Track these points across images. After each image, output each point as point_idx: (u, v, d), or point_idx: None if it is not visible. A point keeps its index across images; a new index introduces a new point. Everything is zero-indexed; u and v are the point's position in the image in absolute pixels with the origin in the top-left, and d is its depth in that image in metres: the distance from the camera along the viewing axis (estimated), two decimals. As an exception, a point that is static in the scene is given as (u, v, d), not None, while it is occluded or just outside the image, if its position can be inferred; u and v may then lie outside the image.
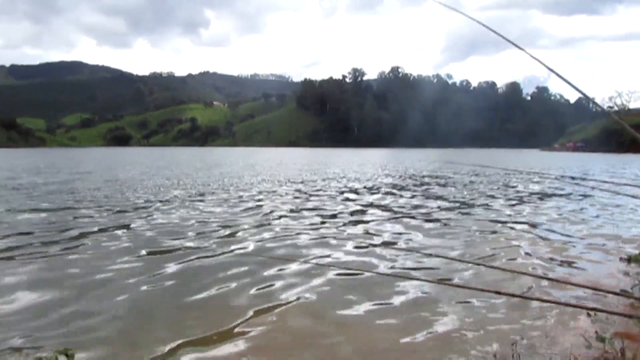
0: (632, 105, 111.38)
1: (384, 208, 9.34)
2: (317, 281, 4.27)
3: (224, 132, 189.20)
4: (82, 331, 3.14)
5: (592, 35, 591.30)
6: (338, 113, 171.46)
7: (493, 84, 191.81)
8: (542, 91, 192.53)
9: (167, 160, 33.08)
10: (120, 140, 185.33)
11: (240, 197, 10.96)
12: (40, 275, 4.45)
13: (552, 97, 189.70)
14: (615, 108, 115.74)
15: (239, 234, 6.53)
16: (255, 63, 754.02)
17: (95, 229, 6.79)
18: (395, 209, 8.90)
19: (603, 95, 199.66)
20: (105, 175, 18.32)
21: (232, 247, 5.64)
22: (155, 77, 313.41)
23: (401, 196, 11.48)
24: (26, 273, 4.50)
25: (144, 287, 4.09)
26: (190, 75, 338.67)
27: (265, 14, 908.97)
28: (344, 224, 7.46)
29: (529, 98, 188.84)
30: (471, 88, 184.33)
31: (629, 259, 5.09)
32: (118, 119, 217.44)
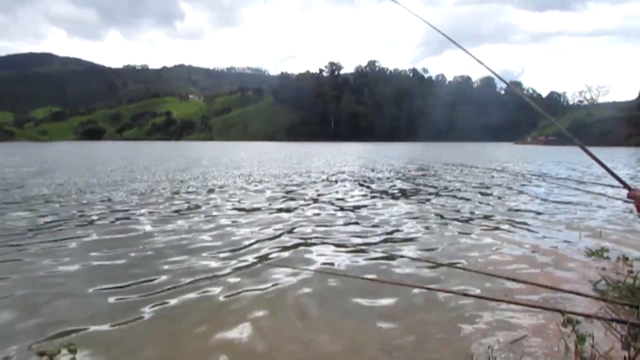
0: (601, 99, 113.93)
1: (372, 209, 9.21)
2: (302, 285, 4.11)
3: (200, 126, 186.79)
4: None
5: (564, 31, 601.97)
6: (315, 107, 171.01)
7: (468, 79, 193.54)
8: (515, 85, 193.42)
9: (146, 157, 32.32)
10: (93, 134, 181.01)
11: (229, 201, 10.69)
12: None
13: (525, 92, 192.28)
14: (586, 102, 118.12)
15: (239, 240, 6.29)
16: (231, 56, 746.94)
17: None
18: (381, 211, 8.76)
19: (574, 90, 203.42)
20: (61, 177, 17.73)
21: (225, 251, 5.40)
22: (129, 70, 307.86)
23: (382, 197, 11.37)
24: None
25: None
26: (165, 68, 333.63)
27: (241, 6, 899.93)
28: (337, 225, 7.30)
29: (502, 92, 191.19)
30: (446, 82, 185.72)
31: (592, 253, 5.09)
32: (90, 112, 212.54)
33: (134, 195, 10.14)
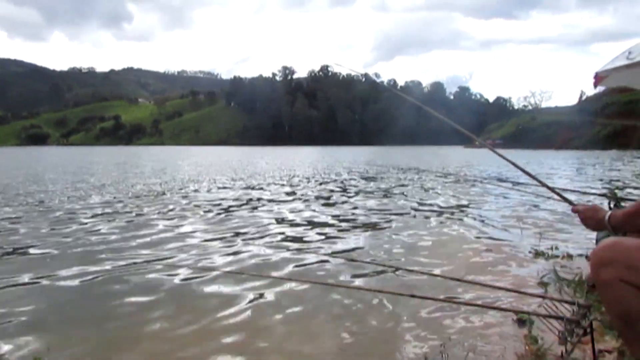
0: (544, 104, 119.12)
1: (327, 214, 8.94)
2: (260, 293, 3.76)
3: (150, 130, 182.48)
4: None
5: (509, 38, 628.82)
6: (269, 111, 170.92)
7: (419, 83, 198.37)
8: (463, 90, 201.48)
9: (90, 165, 30.94)
10: (37, 139, 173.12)
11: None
12: None
13: (473, 97, 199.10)
14: (530, 107, 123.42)
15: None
16: (182, 59, 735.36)
17: None
18: (340, 215, 8.48)
19: (519, 95, 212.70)
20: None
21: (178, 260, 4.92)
22: (75, 73, 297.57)
23: (341, 203, 11.17)
24: None
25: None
26: (113, 71, 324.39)
27: (192, 8, 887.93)
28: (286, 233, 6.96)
29: (452, 97, 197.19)
30: (398, 87, 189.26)
31: (538, 253, 5.04)
32: (34, 117, 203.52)
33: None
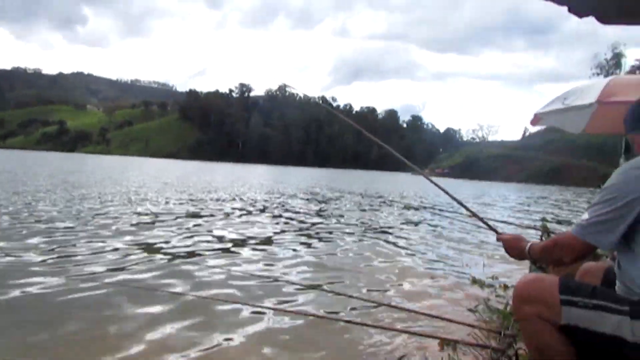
0: (491, 138, 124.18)
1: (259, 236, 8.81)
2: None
3: (97, 138, 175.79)
4: None
5: (462, 72, 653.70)
6: (223, 127, 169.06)
7: (374, 110, 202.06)
8: (416, 119, 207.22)
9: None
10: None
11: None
12: None
13: (425, 126, 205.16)
14: (477, 139, 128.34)
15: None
16: (137, 68, 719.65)
17: None
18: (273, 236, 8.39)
19: (468, 127, 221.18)
20: None
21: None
22: (19, 73, 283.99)
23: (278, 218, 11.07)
24: None
25: None
26: (61, 74, 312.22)
27: (151, 17, 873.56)
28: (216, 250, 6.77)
29: (405, 125, 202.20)
30: (354, 112, 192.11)
31: (474, 281, 5.14)
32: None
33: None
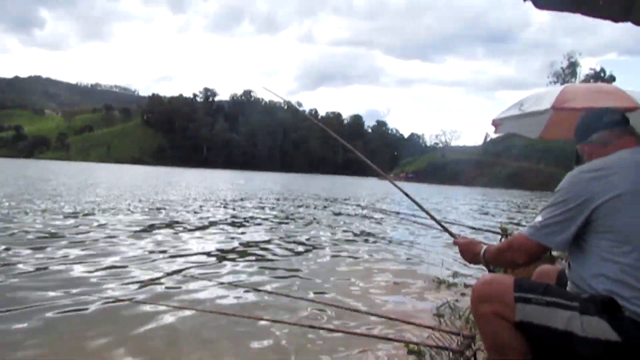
0: (454, 143, 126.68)
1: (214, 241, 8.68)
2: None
3: (56, 144, 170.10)
4: None
5: (425, 79, 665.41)
6: (187, 132, 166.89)
7: (339, 115, 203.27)
8: (381, 125, 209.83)
9: None
10: None
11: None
12: None
13: (390, 131, 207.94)
14: (441, 144, 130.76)
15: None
16: (97, 72, 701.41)
17: None
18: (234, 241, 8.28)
19: (431, 132, 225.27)
20: None
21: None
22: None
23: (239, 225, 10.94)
24: None
25: None
26: (17, 78, 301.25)
27: (112, 21, 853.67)
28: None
29: (370, 130, 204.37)
30: (319, 117, 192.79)
31: (439, 283, 5.20)
32: None
33: None
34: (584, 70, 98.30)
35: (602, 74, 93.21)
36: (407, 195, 2.51)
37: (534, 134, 5.02)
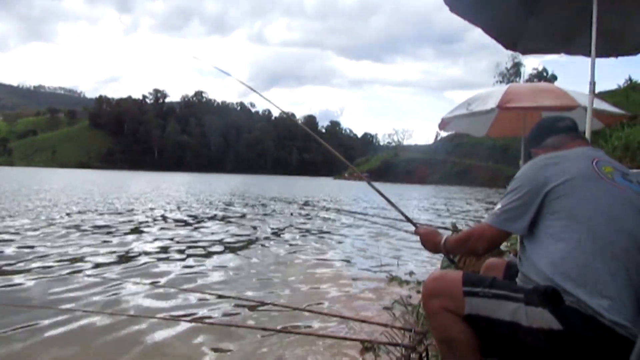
0: (406, 142, 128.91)
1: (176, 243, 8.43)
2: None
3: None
4: None
5: (377, 79, 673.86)
6: (137, 134, 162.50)
7: (293, 115, 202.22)
8: (335, 125, 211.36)
9: None
10: None
11: None
12: None
13: (343, 131, 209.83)
14: (393, 143, 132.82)
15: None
16: (40, 74, 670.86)
17: None
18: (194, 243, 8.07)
19: (384, 132, 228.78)
20: None
21: None
22: None
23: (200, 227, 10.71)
24: None
25: None
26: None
27: (55, 21, 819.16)
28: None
29: (323, 131, 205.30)
30: (273, 118, 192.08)
31: (392, 279, 5.24)
32: None
33: None
34: (527, 70, 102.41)
35: (544, 74, 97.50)
36: (379, 192, 2.59)
37: (481, 132, 5.19)
